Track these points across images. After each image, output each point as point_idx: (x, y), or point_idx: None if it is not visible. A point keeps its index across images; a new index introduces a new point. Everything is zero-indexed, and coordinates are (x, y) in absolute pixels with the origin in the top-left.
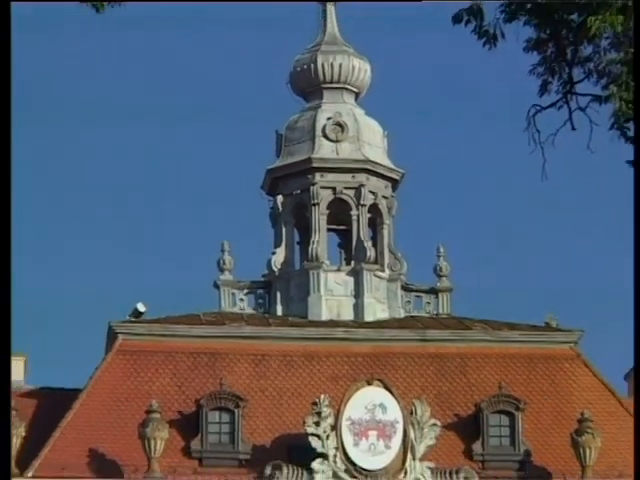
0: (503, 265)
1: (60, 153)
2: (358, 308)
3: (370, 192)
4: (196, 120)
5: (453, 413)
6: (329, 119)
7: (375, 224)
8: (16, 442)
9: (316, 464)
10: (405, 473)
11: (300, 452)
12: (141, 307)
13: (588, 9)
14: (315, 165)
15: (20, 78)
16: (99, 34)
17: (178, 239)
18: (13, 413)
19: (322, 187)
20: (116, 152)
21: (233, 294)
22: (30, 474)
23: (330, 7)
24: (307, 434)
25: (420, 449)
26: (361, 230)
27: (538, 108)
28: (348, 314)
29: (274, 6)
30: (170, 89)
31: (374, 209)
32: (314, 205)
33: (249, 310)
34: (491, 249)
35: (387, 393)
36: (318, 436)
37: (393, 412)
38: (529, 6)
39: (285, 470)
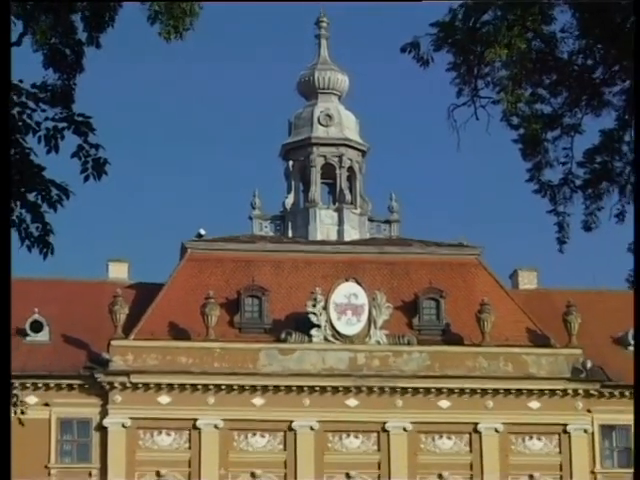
0: (433, 204)
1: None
2: (340, 232)
3: (348, 159)
4: (236, 115)
5: (400, 299)
6: (322, 112)
7: (351, 179)
8: (122, 317)
9: (313, 331)
10: (369, 337)
11: (303, 324)
12: (202, 231)
13: (486, 44)
14: (313, 141)
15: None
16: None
17: (229, 189)
18: (120, 299)
19: (318, 155)
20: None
21: (260, 223)
22: (132, 337)
23: (323, 41)
24: (307, 312)
25: (379, 322)
26: (342, 183)
27: (455, 105)
28: (334, 236)
29: (287, 41)
30: (215, 99)
31: (351, 169)
32: (312, 167)
33: (271, 233)
34: (426, 194)
35: (358, 286)
36: (315, 314)
37: (362, 298)
38: (450, 41)
39: (293, 335)
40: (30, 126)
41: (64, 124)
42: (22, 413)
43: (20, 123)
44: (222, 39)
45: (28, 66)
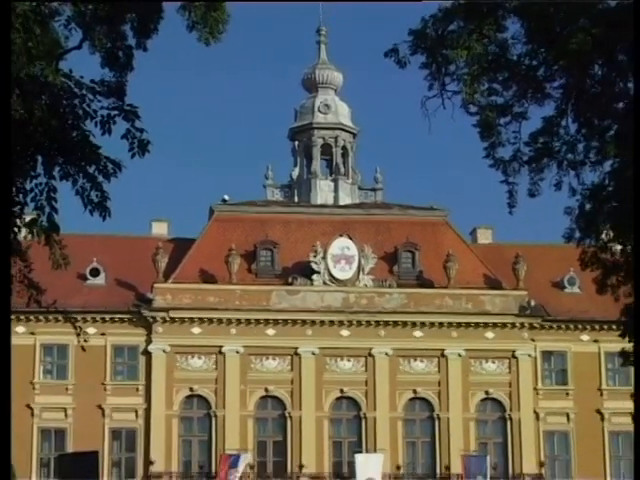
0: (410, 175)
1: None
2: (336, 198)
3: (342, 139)
4: (253, 105)
5: (383, 251)
6: (321, 102)
7: (345, 156)
8: (163, 265)
9: (314, 276)
10: (359, 281)
11: (306, 270)
12: (226, 197)
13: (451, 48)
14: (314, 126)
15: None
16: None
17: (247, 164)
18: (161, 251)
19: (318, 137)
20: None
21: (272, 191)
22: (170, 281)
23: (322, 45)
24: (310, 261)
25: (366, 269)
26: (337, 159)
27: (427, 97)
28: (331, 201)
29: (295, 46)
30: (237, 93)
31: (344, 148)
32: (313, 146)
33: (280, 199)
34: (404, 168)
35: (350, 241)
36: (315, 262)
37: (353, 250)
38: (422, 46)
39: (299, 279)
40: (89, 113)
41: (116, 112)
42: (85, 341)
43: (81, 111)
44: (243, 46)
45: (87, 66)
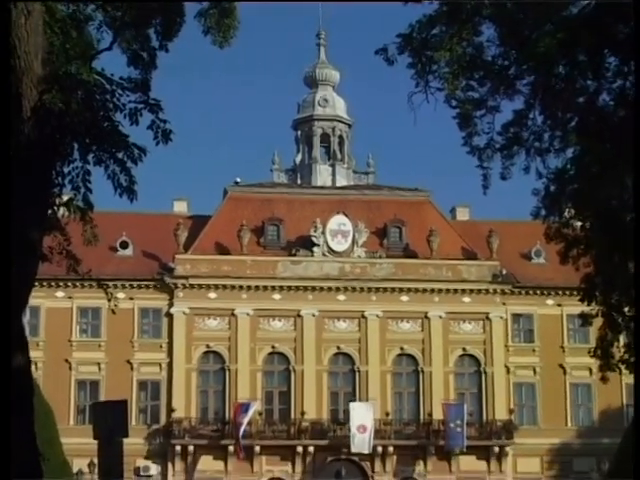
0: (397, 161)
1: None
2: (333, 181)
3: (339, 129)
4: (262, 100)
5: (375, 227)
6: (320, 97)
7: (341, 144)
8: (183, 239)
9: (315, 249)
10: (353, 253)
11: (308, 243)
12: (238, 179)
13: (434, 50)
14: (314, 118)
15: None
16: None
17: (257, 151)
18: (181, 226)
19: (318, 127)
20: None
21: (278, 174)
22: (189, 253)
23: (322, 47)
24: (311, 236)
25: (359, 242)
26: (335, 146)
27: (412, 93)
28: (329, 183)
29: (298, 48)
30: (246, 91)
31: (341, 137)
32: (314, 135)
33: (285, 181)
34: (393, 154)
35: (346, 218)
36: (316, 236)
37: (348, 226)
38: (409, 48)
39: (301, 251)
40: (118, 107)
41: (142, 105)
42: (115, 305)
43: (111, 105)
44: (253, 47)
45: (117, 64)
